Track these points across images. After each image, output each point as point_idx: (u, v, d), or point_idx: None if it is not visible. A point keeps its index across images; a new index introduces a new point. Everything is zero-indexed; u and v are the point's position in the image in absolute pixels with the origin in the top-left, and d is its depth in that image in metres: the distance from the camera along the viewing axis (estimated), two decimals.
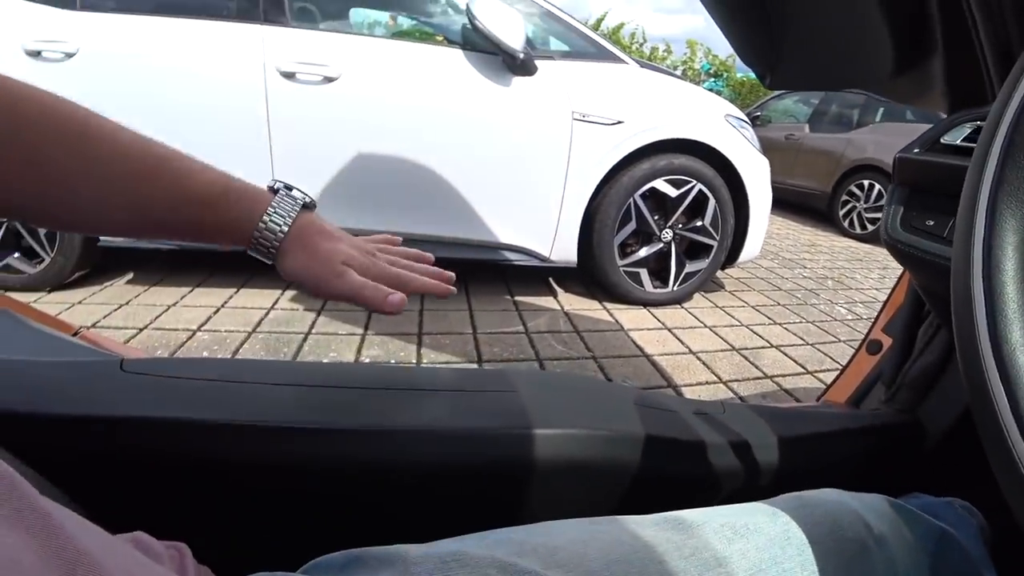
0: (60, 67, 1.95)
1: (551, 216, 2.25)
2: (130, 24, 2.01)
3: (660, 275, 2.48)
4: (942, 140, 0.60)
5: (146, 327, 1.92)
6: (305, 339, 1.90)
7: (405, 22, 2.88)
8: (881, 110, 5.33)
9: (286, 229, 0.39)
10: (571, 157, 2.17)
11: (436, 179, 2.12)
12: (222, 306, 2.15)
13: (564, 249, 2.31)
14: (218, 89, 2.02)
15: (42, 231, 2.12)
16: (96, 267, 2.33)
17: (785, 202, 5.88)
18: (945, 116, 0.68)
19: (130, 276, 2.38)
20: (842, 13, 0.68)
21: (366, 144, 2.09)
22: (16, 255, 2.19)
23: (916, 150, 0.61)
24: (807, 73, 1.00)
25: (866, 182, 5.03)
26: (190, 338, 1.87)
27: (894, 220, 0.59)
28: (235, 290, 2.30)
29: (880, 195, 4.84)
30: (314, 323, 2.03)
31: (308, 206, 0.41)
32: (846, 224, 5.17)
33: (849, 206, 5.17)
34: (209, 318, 2.03)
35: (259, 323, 2.01)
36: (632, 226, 2.33)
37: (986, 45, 0.55)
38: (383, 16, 2.96)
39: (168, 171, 0.37)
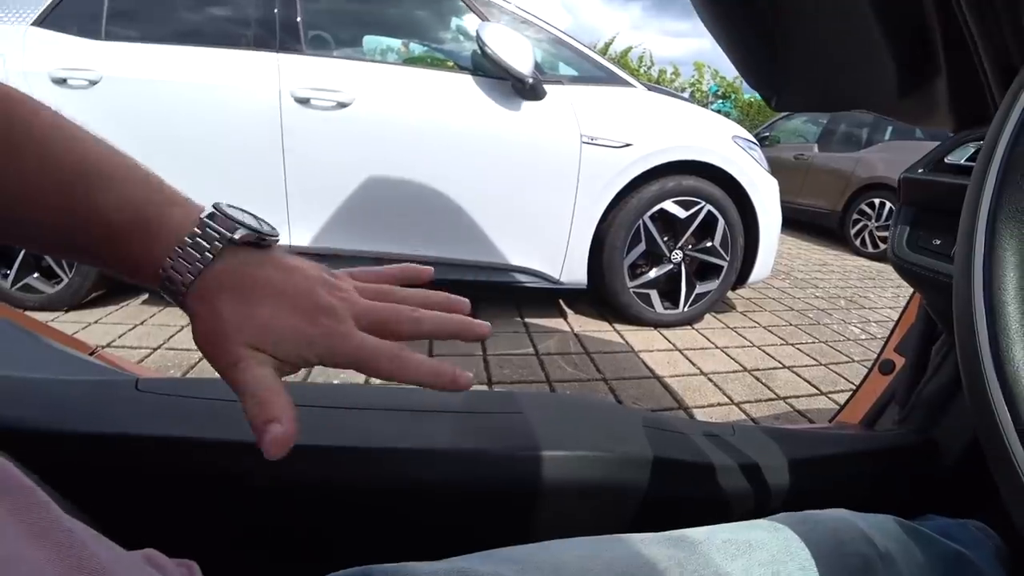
0: (84, 93, 2.02)
1: (561, 238, 2.26)
2: (152, 53, 2.08)
3: (671, 296, 2.48)
4: (946, 160, 0.60)
5: (159, 347, 1.95)
6: None
7: (417, 48, 2.96)
8: (890, 128, 5.34)
9: (190, 279, 0.28)
10: (580, 179, 2.19)
11: (447, 202, 2.15)
12: None
13: (574, 271, 2.32)
14: (235, 114, 2.08)
15: None
16: (112, 287, 2.37)
17: (796, 221, 5.86)
18: (953, 135, 0.68)
19: (145, 297, 2.42)
20: (843, 36, 0.69)
21: (378, 168, 2.13)
22: (35, 275, 2.24)
23: (920, 170, 0.62)
24: (812, 95, 1.01)
25: (877, 200, 5.02)
26: (202, 359, 1.88)
27: (900, 240, 0.60)
28: None
29: (892, 213, 4.82)
30: None
31: (245, 242, 0.30)
32: (858, 243, 5.14)
33: (860, 225, 5.15)
34: None
35: None
36: (642, 247, 2.34)
37: (986, 62, 0.55)
38: (396, 43, 3.03)
39: (82, 184, 0.28)
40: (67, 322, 2.14)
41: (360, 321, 0.31)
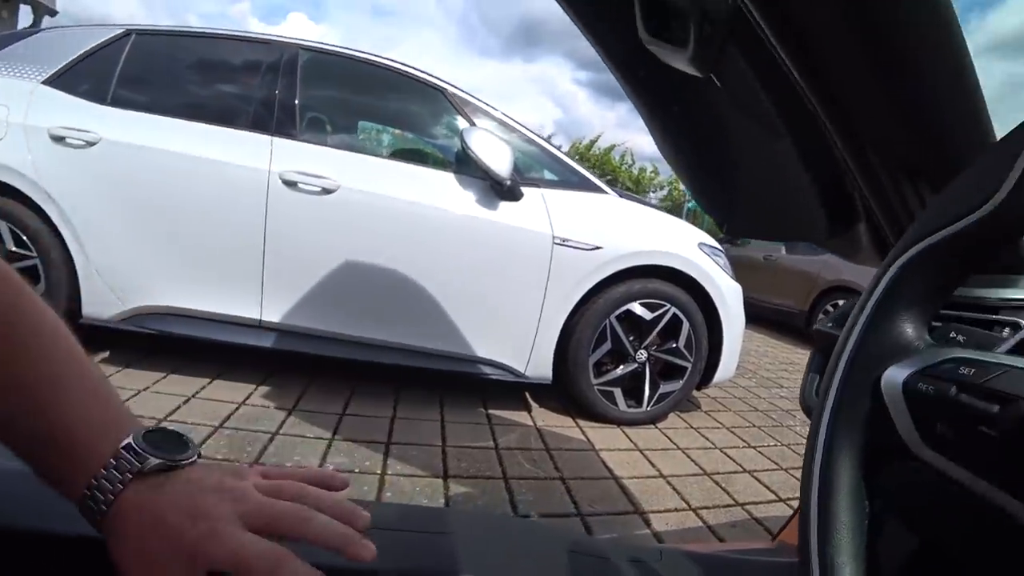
0: (79, 152, 2.09)
1: (528, 334, 2.31)
2: (153, 122, 2.18)
3: (635, 394, 2.50)
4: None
5: None
6: (271, 440, 1.87)
7: (407, 136, 3.14)
8: None
9: (104, 509, 0.32)
10: (550, 278, 2.27)
11: (419, 292, 2.20)
12: (192, 396, 2.13)
13: (540, 366, 2.35)
14: (223, 189, 2.15)
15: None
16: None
17: (765, 319, 6.04)
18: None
19: (105, 355, 2.37)
20: (779, 179, 0.78)
21: (355, 254, 2.19)
22: None
23: (830, 324, 0.68)
24: (758, 225, 1.11)
25: (841, 302, 5.22)
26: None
27: (811, 388, 0.65)
28: (208, 380, 2.29)
29: None
30: (283, 423, 2.01)
31: (155, 469, 0.33)
32: None
33: None
34: (177, 408, 2.01)
35: (227, 418, 1.99)
36: (607, 346, 2.39)
37: (885, 226, 0.63)
38: (388, 132, 3.21)
39: (26, 396, 0.32)
40: None
41: (249, 520, 0.32)
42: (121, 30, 2.31)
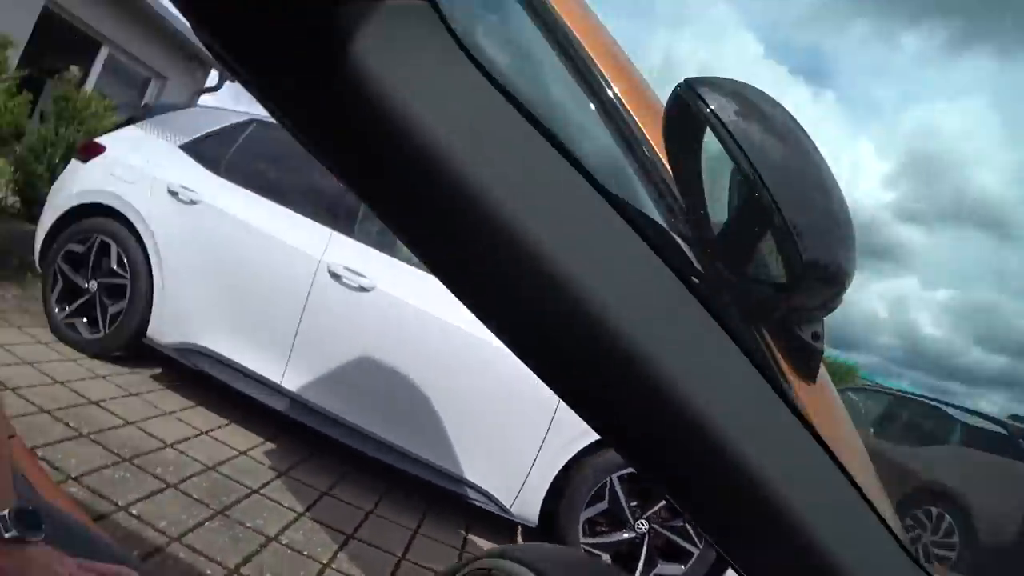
0: (183, 207, 2.52)
1: (522, 469, 2.21)
2: (244, 195, 2.54)
3: (627, 566, 2.25)
4: None
5: (135, 422, 2.02)
6: (247, 496, 1.88)
7: None
8: None
9: None
10: (555, 419, 2.17)
11: (424, 400, 2.24)
12: (205, 432, 2.24)
13: (527, 504, 2.22)
14: (280, 266, 2.41)
15: (111, 310, 2.52)
16: (133, 353, 2.61)
17: None
18: None
19: (158, 371, 2.58)
20: None
21: (375, 351, 2.30)
22: (84, 320, 2.59)
23: None
24: None
25: None
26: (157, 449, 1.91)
27: None
28: (227, 423, 2.42)
29: None
30: (267, 484, 2.03)
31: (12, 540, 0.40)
32: None
33: None
34: (187, 438, 2.12)
35: (222, 463, 2.05)
36: (604, 505, 2.21)
37: None
38: None
39: None
40: (84, 366, 2.36)
41: None
42: (247, 117, 2.78)
